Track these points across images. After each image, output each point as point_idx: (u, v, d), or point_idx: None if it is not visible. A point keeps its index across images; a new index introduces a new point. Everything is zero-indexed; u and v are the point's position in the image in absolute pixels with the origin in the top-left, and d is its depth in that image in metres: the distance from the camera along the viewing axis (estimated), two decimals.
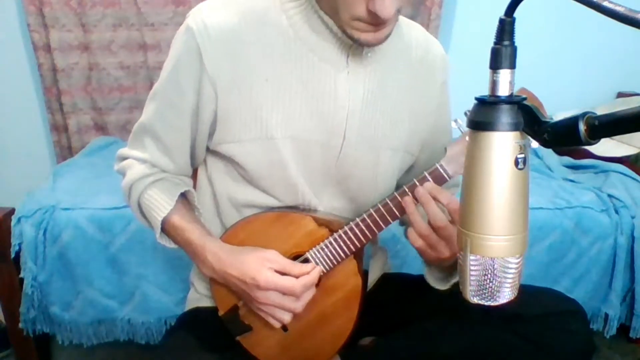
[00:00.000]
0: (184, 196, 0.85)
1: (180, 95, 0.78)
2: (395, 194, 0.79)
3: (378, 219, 0.79)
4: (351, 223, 0.81)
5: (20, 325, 1.37)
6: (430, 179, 0.77)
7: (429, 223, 0.76)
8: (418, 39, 0.88)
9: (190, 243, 0.82)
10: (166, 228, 0.83)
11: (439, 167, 0.77)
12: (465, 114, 0.73)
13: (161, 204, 0.81)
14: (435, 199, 0.76)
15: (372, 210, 0.80)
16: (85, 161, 1.74)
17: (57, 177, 1.54)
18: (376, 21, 0.67)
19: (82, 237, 1.32)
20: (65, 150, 2.11)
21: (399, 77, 0.84)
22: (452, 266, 0.86)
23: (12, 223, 1.31)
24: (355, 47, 0.77)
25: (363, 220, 0.80)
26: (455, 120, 0.78)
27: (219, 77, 0.76)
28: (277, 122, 0.78)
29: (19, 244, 1.31)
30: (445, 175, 0.77)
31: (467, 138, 0.74)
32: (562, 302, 0.90)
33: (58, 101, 2.03)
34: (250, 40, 0.76)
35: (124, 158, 0.86)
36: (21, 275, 1.32)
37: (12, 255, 1.31)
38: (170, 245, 0.86)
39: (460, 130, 0.78)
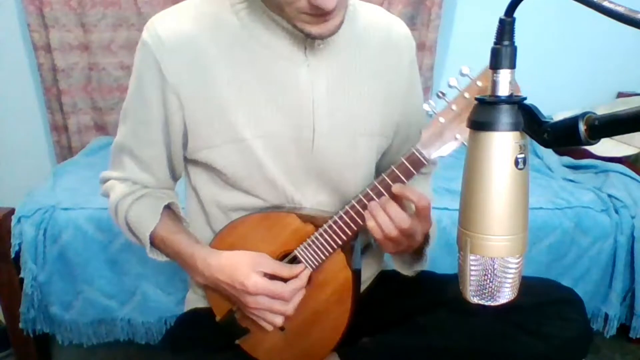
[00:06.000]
0: (169, 208, 0.85)
1: (148, 110, 0.79)
2: (375, 182, 0.78)
3: (361, 209, 0.79)
4: (335, 216, 0.81)
5: (20, 325, 1.37)
6: (408, 164, 0.77)
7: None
8: (378, 22, 0.87)
9: (179, 253, 0.82)
10: (155, 242, 0.84)
11: (415, 152, 0.76)
12: (438, 95, 0.74)
13: (147, 219, 0.82)
14: (405, 197, 0.77)
15: (354, 202, 0.80)
16: (85, 161, 1.74)
17: (57, 177, 1.54)
18: (320, 12, 0.66)
19: (82, 237, 1.32)
20: (65, 150, 2.11)
21: (363, 62, 0.84)
22: (415, 252, 0.87)
23: (12, 223, 1.31)
24: (310, 40, 0.76)
25: (346, 213, 0.80)
26: (428, 103, 0.77)
27: (181, 86, 0.76)
28: (245, 123, 0.78)
29: (19, 244, 1.31)
30: (422, 159, 0.76)
31: (440, 119, 0.75)
32: (558, 290, 0.90)
33: (58, 101, 2.03)
34: (206, 46, 0.76)
35: (107, 180, 0.87)
36: (21, 275, 1.33)
37: (12, 255, 1.31)
38: (162, 258, 0.86)
39: (434, 112, 0.77)
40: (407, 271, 0.90)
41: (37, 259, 1.32)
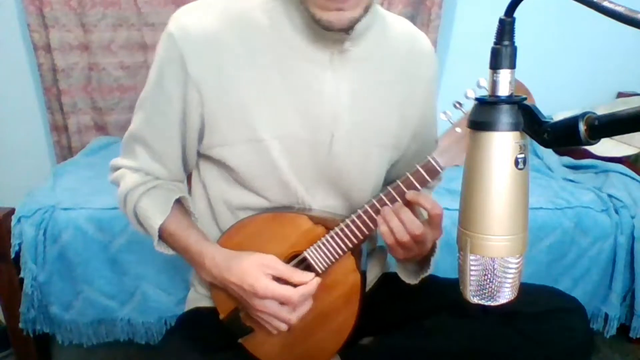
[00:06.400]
0: (179, 202, 0.85)
1: (167, 103, 0.78)
2: (389, 188, 0.79)
3: (374, 214, 0.79)
4: (347, 220, 0.81)
5: (20, 325, 1.36)
6: (423, 171, 0.77)
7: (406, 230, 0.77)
8: (405, 34, 0.87)
9: (187, 249, 0.82)
10: (163, 236, 0.83)
11: (431, 160, 0.77)
12: (455, 105, 0.74)
13: (156, 212, 0.81)
14: (417, 204, 0.77)
15: (367, 207, 0.80)
16: (85, 161, 1.74)
17: (57, 177, 1.54)
18: None
19: (82, 237, 1.32)
20: (65, 150, 2.11)
21: (385, 74, 0.84)
22: (421, 261, 0.87)
23: (12, 223, 1.31)
24: (338, 44, 0.76)
25: (359, 217, 0.80)
26: (445, 112, 0.77)
27: (203, 82, 0.76)
28: (265, 124, 0.78)
29: (19, 244, 1.30)
30: (438, 168, 0.77)
31: (457, 129, 0.76)
32: (561, 299, 0.90)
33: (58, 101, 2.02)
34: (233, 43, 0.75)
35: (117, 168, 0.86)
36: (21, 275, 1.32)
37: (12, 255, 1.31)
38: (169, 252, 0.86)
39: (450, 122, 0.77)
40: (411, 279, 0.89)
41: (37, 259, 1.32)
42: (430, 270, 0.88)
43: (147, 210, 0.82)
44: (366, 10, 0.72)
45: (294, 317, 0.78)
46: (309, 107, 0.79)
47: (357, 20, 0.71)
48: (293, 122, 0.79)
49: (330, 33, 0.73)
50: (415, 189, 0.78)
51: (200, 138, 0.81)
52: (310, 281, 0.79)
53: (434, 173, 0.77)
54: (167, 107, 0.78)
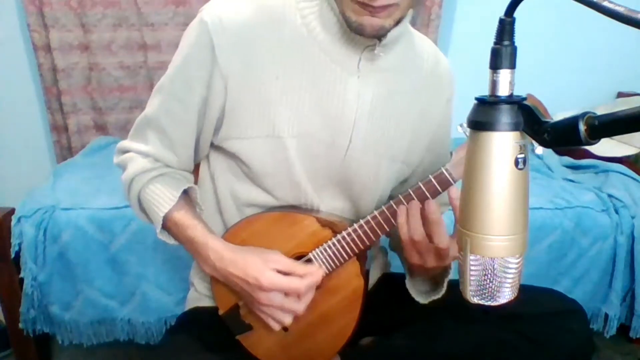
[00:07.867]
0: (185, 192, 0.84)
1: (189, 89, 0.78)
2: (401, 196, 0.79)
3: (382, 221, 0.79)
4: (355, 225, 0.81)
5: (20, 325, 1.37)
6: (435, 182, 0.77)
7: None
8: (429, 52, 0.88)
9: (192, 240, 0.81)
10: (167, 224, 0.82)
11: (444, 171, 0.77)
12: (457, 127, 0.74)
13: (163, 199, 0.80)
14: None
15: (376, 213, 0.80)
16: (85, 161, 1.74)
17: (57, 177, 1.54)
18: (369, 1, 0.67)
19: (82, 237, 1.32)
20: (65, 150, 2.11)
21: (408, 87, 0.85)
22: (433, 281, 0.87)
23: (12, 223, 1.31)
24: (368, 50, 0.77)
25: (367, 223, 0.80)
26: (461, 125, 0.78)
27: (230, 72, 0.75)
28: (285, 121, 0.78)
29: (19, 244, 1.31)
30: (450, 179, 0.77)
31: None
32: (562, 301, 0.90)
33: (58, 101, 2.03)
34: (264, 37, 0.76)
35: (125, 151, 0.85)
36: (21, 275, 1.32)
37: (12, 255, 1.31)
38: (170, 241, 0.85)
39: (465, 135, 0.77)
40: (420, 298, 0.88)
41: (37, 259, 1.32)
42: (443, 292, 0.86)
43: (153, 197, 0.81)
44: (398, 22, 0.72)
45: (300, 307, 0.78)
46: (331, 109, 0.79)
47: (387, 30, 0.72)
48: (314, 123, 0.79)
49: (361, 38, 0.74)
50: (426, 199, 0.78)
51: (217, 129, 0.81)
52: (315, 271, 0.78)
53: (445, 184, 0.77)
54: (188, 93, 0.78)
